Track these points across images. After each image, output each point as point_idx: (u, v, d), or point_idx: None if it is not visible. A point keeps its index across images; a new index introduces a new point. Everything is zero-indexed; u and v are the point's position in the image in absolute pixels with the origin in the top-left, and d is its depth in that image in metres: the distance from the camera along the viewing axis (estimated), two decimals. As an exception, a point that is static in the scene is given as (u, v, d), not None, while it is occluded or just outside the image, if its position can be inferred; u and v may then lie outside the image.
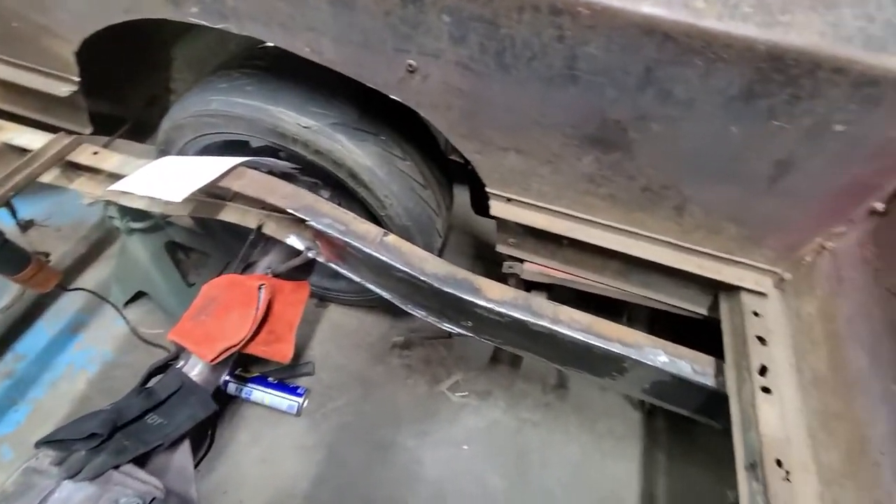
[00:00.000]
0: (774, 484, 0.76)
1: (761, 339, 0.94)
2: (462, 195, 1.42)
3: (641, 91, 0.76)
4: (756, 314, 0.98)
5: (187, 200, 1.14)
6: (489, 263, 1.82)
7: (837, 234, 0.87)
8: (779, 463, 0.78)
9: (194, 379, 1.04)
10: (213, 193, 1.19)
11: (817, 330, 0.89)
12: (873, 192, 0.79)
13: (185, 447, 0.98)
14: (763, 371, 0.89)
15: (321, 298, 1.76)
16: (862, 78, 0.65)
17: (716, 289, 1.07)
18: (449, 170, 1.38)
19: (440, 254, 1.63)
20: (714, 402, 0.99)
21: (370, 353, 1.66)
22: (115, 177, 1.17)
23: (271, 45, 0.93)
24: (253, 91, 1.05)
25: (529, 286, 1.37)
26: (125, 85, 1.47)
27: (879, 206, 0.79)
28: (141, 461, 0.91)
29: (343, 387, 1.58)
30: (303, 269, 1.50)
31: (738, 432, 0.86)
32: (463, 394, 1.58)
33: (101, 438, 0.85)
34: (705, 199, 0.90)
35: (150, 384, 1.03)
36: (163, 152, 1.25)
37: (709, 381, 0.99)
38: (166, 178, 1.07)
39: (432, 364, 1.64)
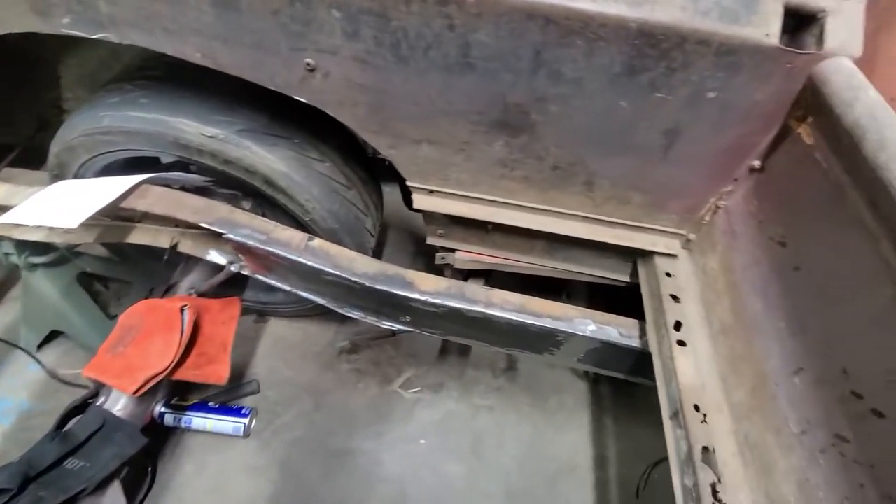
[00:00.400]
0: (694, 427, 0.82)
1: (675, 298, 1.01)
2: (396, 193, 1.42)
3: (534, 74, 0.79)
4: (669, 275, 1.05)
5: (90, 226, 1.07)
6: (430, 258, 1.83)
7: (727, 193, 0.95)
8: (696, 408, 0.85)
9: (118, 414, 0.98)
10: (120, 216, 1.11)
11: (720, 282, 0.97)
12: (750, 151, 0.87)
13: (115, 488, 0.92)
14: (678, 326, 0.96)
15: (260, 314, 1.70)
16: (722, 48, 0.71)
17: (633, 256, 1.14)
18: (374, 167, 1.37)
19: (375, 252, 1.62)
20: (643, 362, 1.05)
21: (317, 363, 1.62)
22: (4, 209, 1.07)
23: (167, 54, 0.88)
24: (148, 103, 0.99)
25: (467, 275, 1.40)
26: (8, 108, 1.34)
27: (756, 163, 0.87)
28: (64, 510, 0.84)
29: (292, 400, 1.53)
30: (235, 284, 1.45)
31: (661, 385, 0.93)
32: (415, 389, 1.58)
33: (10, 493, 0.78)
34: (610, 172, 0.95)
35: (68, 426, 0.96)
36: (57, 177, 1.16)
37: (635, 342, 1.05)
38: (61, 205, 0.99)
39: (382, 364, 1.63)
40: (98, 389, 1.02)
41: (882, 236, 0.60)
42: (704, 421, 0.83)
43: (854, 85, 0.66)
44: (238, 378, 1.56)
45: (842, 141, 0.66)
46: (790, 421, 0.73)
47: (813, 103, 0.73)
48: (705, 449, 0.80)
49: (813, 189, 0.75)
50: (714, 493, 0.76)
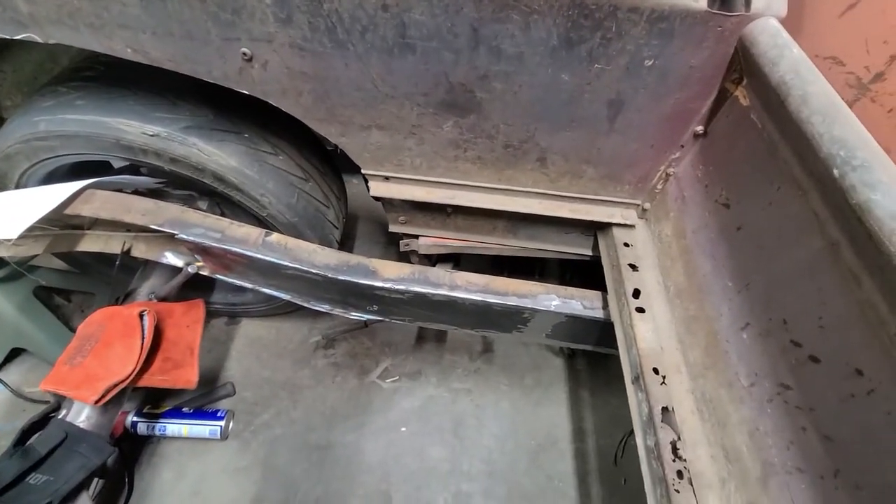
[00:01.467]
0: (654, 389, 0.85)
1: (633, 266, 1.03)
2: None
3: (475, 51, 0.78)
4: (627, 245, 1.07)
5: (38, 237, 1.04)
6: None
7: (676, 160, 0.97)
8: (655, 371, 0.87)
9: (82, 426, 0.96)
10: (69, 224, 1.08)
11: (674, 248, 0.99)
12: (693, 117, 0.88)
13: (84, 500, 0.90)
14: (636, 294, 0.98)
15: (231, 316, 1.67)
16: (653, 14, 0.72)
17: (593, 229, 1.16)
18: (334, 158, 1.36)
19: (345, 245, 1.61)
20: (607, 332, 1.07)
21: (293, 360, 1.61)
22: (-58, 225, 1.02)
23: (101, 53, 0.85)
24: (85, 105, 0.95)
25: (435, 261, 1.41)
26: (-58, 120, 1.28)
27: (700, 128, 0.89)
28: (30, 526, 0.83)
29: (270, 399, 1.52)
30: (202, 288, 1.42)
31: (622, 352, 0.95)
32: (394, 378, 1.59)
33: (-32, 513, 0.76)
34: (561, 147, 0.96)
35: (30, 442, 0.94)
36: (-3, 189, 1.11)
37: (598, 313, 1.07)
38: (1, 216, 0.95)
39: (358, 356, 1.63)
40: (59, 402, 0.99)
41: (810, 188, 0.62)
42: (664, 383, 0.86)
43: (779, 43, 0.67)
44: (212, 382, 1.54)
45: (771, 99, 0.68)
46: (740, 375, 0.76)
47: (745, 65, 0.75)
48: (665, 409, 0.82)
49: (750, 149, 0.77)
50: (674, 450, 0.78)
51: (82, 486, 0.92)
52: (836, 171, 0.54)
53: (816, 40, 0.76)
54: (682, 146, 0.93)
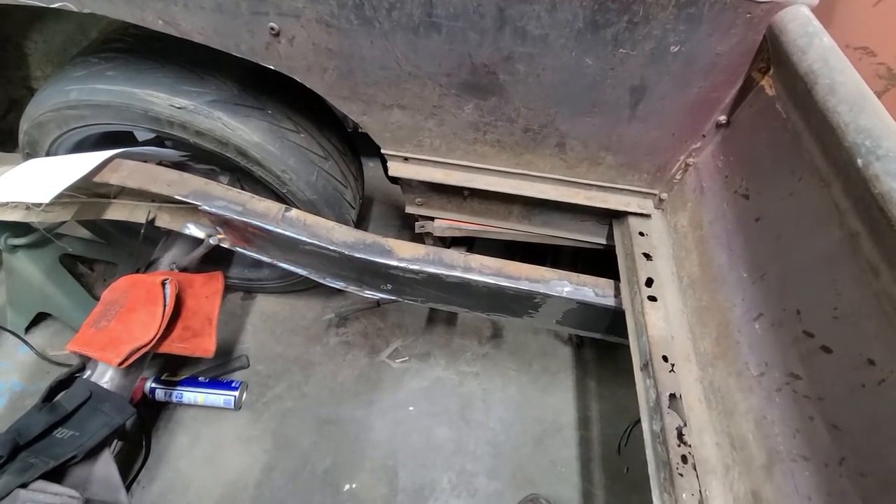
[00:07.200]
0: (662, 376, 0.85)
1: (647, 256, 1.03)
2: (380, 169, 1.41)
3: (500, 32, 0.79)
4: (642, 234, 1.07)
5: (67, 204, 1.07)
6: (415, 231, 1.84)
7: (696, 150, 0.96)
8: (665, 358, 0.88)
9: (105, 386, 1.00)
10: (97, 192, 1.11)
11: (690, 239, 0.99)
12: (716, 105, 0.88)
13: (106, 457, 0.95)
14: (649, 283, 0.98)
15: (247, 291, 1.71)
16: (682, -1, 0.71)
17: (609, 218, 1.16)
18: (353, 139, 1.37)
19: (359, 227, 1.63)
20: (618, 320, 1.08)
21: (306, 337, 1.65)
22: (-23, 189, 1.06)
23: (131, 25, 0.87)
24: (115, 75, 0.97)
25: (449, 244, 1.42)
26: (-24, 89, 1.32)
27: (723, 118, 0.88)
28: (57, 476, 0.87)
29: (282, 374, 1.56)
30: (220, 261, 1.45)
31: (633, 339, 0.96)
32: (403, 359, 1.62)
33: (0, 460, 0.80)
34: (580, 133, 0.96)
35: (56, 399, 0.98)
36: (29, 156, 1.15)
37: (610, 301, 1.08)
38: (33, 182, 0.99)
39: (370, 336, 1.66)
40: (84, 363, 1.04)
41: (832, 179, 0.62)
42: (672, 370, 0.86)
43: (809, 32, 0.66)
44: (227, 354, 1.59)
45: (797, 88, 0.67)
46: (750, 365, 0.76)
47: (773, 53, 0.74)
48: (672, 396, 0.83)
49: (774, 140, 0.76)
50: (680, 435, 0.79)
51: (105, 443, 0.96)
52: (860, 161, 0.54)
53: (848, 30, 0.74)
54: (704, 136, 0.93)
